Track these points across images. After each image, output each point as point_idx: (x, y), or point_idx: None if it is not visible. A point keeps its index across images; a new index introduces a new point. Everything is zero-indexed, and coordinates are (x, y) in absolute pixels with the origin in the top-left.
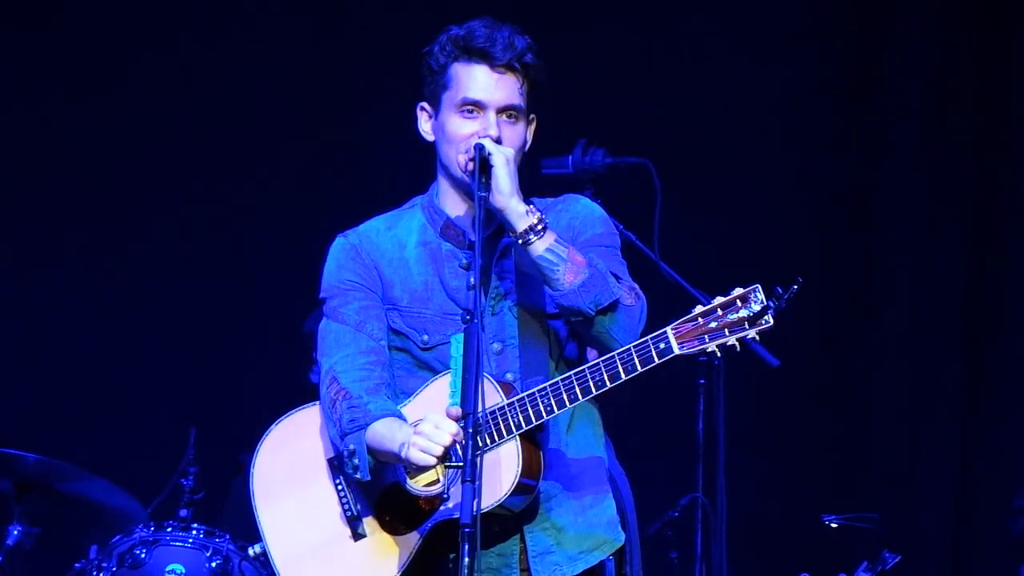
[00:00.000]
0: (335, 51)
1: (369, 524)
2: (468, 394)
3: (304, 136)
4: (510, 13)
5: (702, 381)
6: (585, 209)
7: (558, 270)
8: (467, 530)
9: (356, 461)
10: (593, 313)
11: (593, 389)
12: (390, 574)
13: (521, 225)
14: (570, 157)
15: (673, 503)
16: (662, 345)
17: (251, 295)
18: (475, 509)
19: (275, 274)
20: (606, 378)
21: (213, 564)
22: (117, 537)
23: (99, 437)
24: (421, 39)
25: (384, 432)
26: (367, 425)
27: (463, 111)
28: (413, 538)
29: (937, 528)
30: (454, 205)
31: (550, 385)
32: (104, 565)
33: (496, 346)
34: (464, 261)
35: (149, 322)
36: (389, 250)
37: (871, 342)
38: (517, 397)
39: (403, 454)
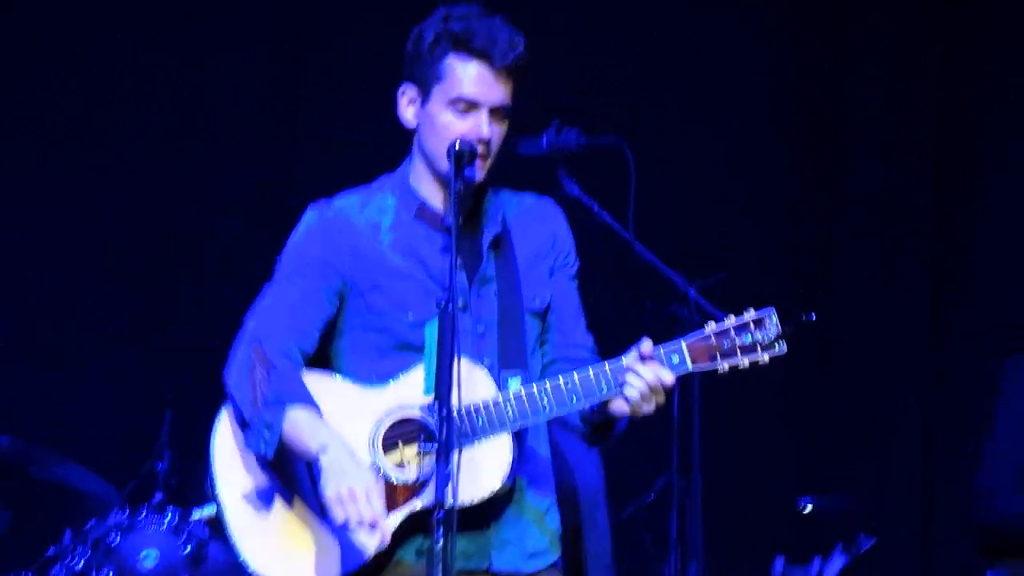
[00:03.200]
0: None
1: None
2: (443, 378)
3: (274, 109)
4: None
5: None
6: (566, 231)
7: None
8: (440, 514)
9: (268, 436)
10: None
11: (598, 394)
12: (362, 557)
13: None
14: (544, 137)
15: (648, 486)
16: (675, 359)
17: (224, 266)
18: (453, 502)
19: (250, 246)
20: (613, 385)
21: (187, 549)
22: (92, 522)
23: (72, 419)
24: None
25: (305, 425)
26: (288, 404)
27: (456, 108)
28: (389, 521)
29: (908, 511)
30: (429, 189)
31: (551, 384)
32: (79, 550)
33: (480, 328)
34: (442, 244)
35: (123, 305)
36: (364, 232)
37: (842, 329)
38: (514, 392)
39: (321, 459)
